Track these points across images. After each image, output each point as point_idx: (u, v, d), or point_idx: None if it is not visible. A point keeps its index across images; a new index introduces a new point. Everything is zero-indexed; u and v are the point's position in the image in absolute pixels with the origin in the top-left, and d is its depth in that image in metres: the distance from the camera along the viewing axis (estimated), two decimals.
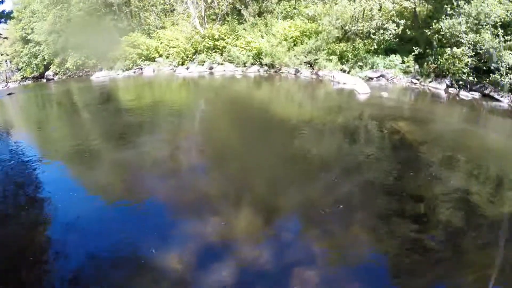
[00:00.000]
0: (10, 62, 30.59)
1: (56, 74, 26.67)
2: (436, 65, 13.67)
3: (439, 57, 13.55)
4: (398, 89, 13.89)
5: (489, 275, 4.11)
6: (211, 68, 20.99)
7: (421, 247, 4.56)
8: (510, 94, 11.66)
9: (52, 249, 5.00)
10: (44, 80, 26.76)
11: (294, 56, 18.38)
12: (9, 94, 21.02)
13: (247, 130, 9.79)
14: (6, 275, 4.44)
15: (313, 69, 17.79)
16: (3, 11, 17.93)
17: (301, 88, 15.77)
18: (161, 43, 23.53)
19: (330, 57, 17.25)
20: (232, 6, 23.17)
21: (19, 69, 29.93)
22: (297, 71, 18.00)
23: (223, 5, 22.89)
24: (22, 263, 4.64)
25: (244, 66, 20.15)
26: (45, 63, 27.41)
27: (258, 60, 19.87)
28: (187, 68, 21.65)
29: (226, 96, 15.14)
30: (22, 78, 29.06)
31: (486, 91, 12.26)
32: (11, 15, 20.98)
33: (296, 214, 5.63)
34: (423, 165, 6.94)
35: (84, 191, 6.68)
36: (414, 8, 16.14)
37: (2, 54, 26.50)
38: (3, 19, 19.60)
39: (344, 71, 16.35)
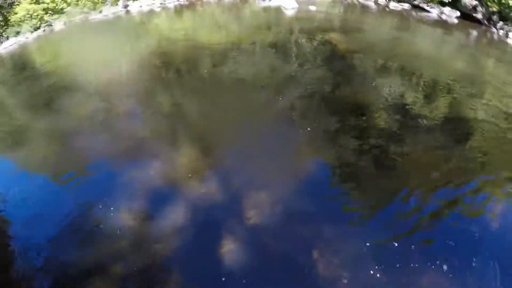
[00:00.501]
0: None
1: None
2: None
3: None
4: (327, 2, 13.35)
5: (431, 177, 4.40)
6: (126, 7, 19.03)
7: (361, 153, 4.70)
8: (439, 5, 11.49)
9: (9, 230, 4.74)
10: None
11: None
12: None
13: (175, 64, 9.25)
14: None
15: None
16: None
17: (226, 11, 14.81)
18: None
19: None
20: None
21: None
22: None
23: None
24: None
25: None
26: None
27: None
28: (100, 12, 19.49)
29: (149, 34, 14.17)
30: None
31: (416, 2, 12.08)
32: None
33: (236, 141, 5.51)
34: (357, 74, 6.98)
35: (23, 168, 6.28)
36: None
37: None
38: None
39: None
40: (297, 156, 4.90)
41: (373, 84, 6.46)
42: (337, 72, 7.07)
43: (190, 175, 4.71)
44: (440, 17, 11.17)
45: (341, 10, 12.29)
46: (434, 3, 11.58)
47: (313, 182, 4.38)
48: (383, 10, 11.93)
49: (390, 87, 6.33)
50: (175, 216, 4.06)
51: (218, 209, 4.09)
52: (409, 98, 6.00)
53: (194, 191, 4.45)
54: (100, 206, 4.49)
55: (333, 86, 6.53)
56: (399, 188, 4.20)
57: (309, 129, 5.35)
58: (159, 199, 4.41)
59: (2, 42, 21.15)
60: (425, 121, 5.34)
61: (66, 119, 7.42)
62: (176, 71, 8.68)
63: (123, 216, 4.28)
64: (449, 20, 11.22)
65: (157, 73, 8.79)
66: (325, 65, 7.46)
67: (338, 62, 7.57)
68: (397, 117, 5.43)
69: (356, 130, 5.16)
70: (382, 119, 5.36)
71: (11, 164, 6.57)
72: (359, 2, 12.71)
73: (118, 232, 4.08)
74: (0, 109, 9.86)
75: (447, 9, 11.55)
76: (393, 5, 11.91)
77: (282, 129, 5.50)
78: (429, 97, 6.18)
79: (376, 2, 12.38)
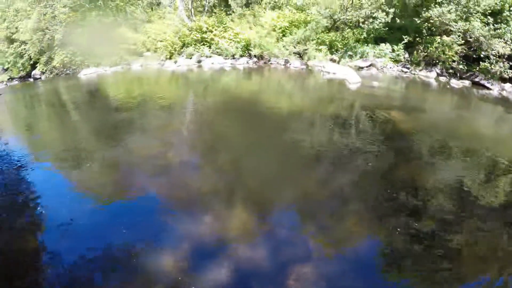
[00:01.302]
0: None
1: (43, 73, 26.16)
2: (426, 54, 13.66)
3: (429, 45, 13.57)
4: (389, 78, 13.86)
5: (481, 267, 4.12)
6: (199, 61, 20.71)
7: (414, 237, 4.54)
8: (500, 82, 11.70)
9: (46, 254, 4.92)
10: (31, 80, 26.23)
11: (283, 46, 18.15)
12: None
13: (238, 123, 9.65)
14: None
15: (302, 59, 17.61)
16: None
17: (291, 79, 15.63)
18: (148, 37, 23.17)
19: (320, 47, 17.10)
20: None
21: (5, 70, 29.37)
22: (286, 61, 17.83)
23: None
24: (16, 269, 4.60)
25: (233, 58, 19.90)
26: (31, 62, 26.83)
27: (247, 52, 19.66)
28: (175, 62, 21.35)
29: (216, 89, 14.96)
30: (8, 79, 28.50)
31: (476, 79, 12.32)
32: None
33: (289, 208, 5.54)
34: (416, 154, 6.93)
35: (75, 193, 6.55)
36: None
37: None
38: None
39: (334, 61, 16.25)
40: (344, 232, 4.85)
41: (431, 165, 6.39)
42: (395, 151, 7.07)
43: (238, 237, 4.76)
44: (501, 94, 11.26)
45: (403, 86, 12.68)
46: (495, 80, 11.79)
47: (359, 262, 4.27)
48: (444, 87, 12.11)
49: (448, 169, 6.25)
50: (213, 274, 4.07)
51: (259, 277, 4.06)
52: (468, 181, 5.84)
53: (239, 253, 4.40)
54: (143, 245, 4.65)
55: (389, 164, 6.49)
56: (454, 279, 3.99)
57: (360, 204, 5.35)
58: (202, 253, 4.48)
59: (83, 69, 23.77)
60: (483, 207, 5.12)
61: (126, 154, 7.94)
62: (237, 130, 9.02)
63: (162, 259, 4.37)
64: (510, 97, 11.29)
65: (220, 129, 9.16)
66: (383, 143, 7.51)
67: (397, 141, 7.61)
68: (453, 201, 5.29)
69: (409, 211, 5.03)
70: (437, 202, 5.24)
71: (65, 184, 6.97)
72: (420, 78, 13.18)
73: (152, 273, 4.16)
74: (67, 129, 10.80)
75: (508, 86, 11.70)
76: (454, 82, 12.16)
77: (331, 202, 5.47)
78: (489, 181, 5.98)
79: (437, 79, 12.74)
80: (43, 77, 26.15)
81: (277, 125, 9.19)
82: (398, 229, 4.65)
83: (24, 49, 26.74)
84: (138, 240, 4.80)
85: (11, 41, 28.04)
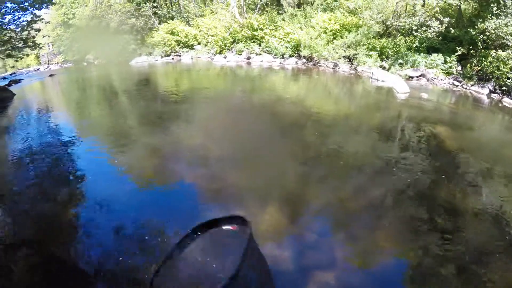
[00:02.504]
0: (52, 45, 31.82)
1: (97, 58, 27.56)
2: (479, 68, 13.25)
3: (483, 59, 13.12)
4: (439, 90, 13.62)
5: None
6: (248, 58, 21.18)
7: (445, 262, 4.46)
8: None
9: (81, 225, 5.39)
10: (85, 64, 27.71)
11: (333, 49, 18.27)
12: (51, 75, 22.21)
13: (281, 123, 9.84)
14: (39, 247, 4.87)
15: (352, 64, 17.66)
16: None
17: (339, 83, 15.69)
18: (200, 31, 23.92)
19: (370, 53, 17.08)
20: None
21: (61, 52, 31.08)
22: (335, 65, 17.94)
23: None
24: (54, 237, 5.08)
25: (282, 58, 20.23)
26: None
27: (296, 52, 19.94)
28: (225, 57, 21.94)
29: (263, 87, 15.24)
30: (63, 61, 30.18)
31: None
32: (53, 1, 21.79)
33: (322, 215, 5.63)
34: (459, 175, 6.80)
35: (117, 172, 7.08)
36: (459, 5, 15.70)
37: (44, 36, 27.65)
38: (45, 4, 20.41)
39: (384, 68, 16.18)
40: (373, 245, 4.83)
41: (473, 188, 6.20)
42: (437, 168, 6.91)
43: (266, 235, 4.87)
44: None
45: (453, 101, 12.40)
46: None
47: (383, 278, 4.27)
48: (496, 105, 11.73)
49: (491, 194, 6.00)
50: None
51: (280, 277, 4.10)
52: (510, 210, 5.57)
53: (264, 251, 4.17)
54: (174, 229, 4.87)
55: (429, 182, 6.35)
56: None
57: (393, 219, 5.36)
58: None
59: (135, 57, 24.85)
60: None
61: (169, 142, 8.43)
62: (280, 130, 9.19)
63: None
64: None
65: (263, 128, 9.43)
66: (426, 159, 7.37)
67: (440, 158, 7.46)
68: (492, 229, 5.09)
69: (443, 234, 4.90)
70: (474, 228, 5.10)
71: (108, 163, 7.51)
72: (471, 93, 12.83)
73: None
74: (114, 112, 11.58)
75: None
76: (506, 101, 11.67)
77: (364, 213, 5.48)
78: None
79: (489, 96, 12.31)
80: (96, 61, 27.57)
81: (319, 129, 9.36)
82: (430, 251, 4.62)
83: (80, 34, 28.32)
84: (170, 224, 5.12)
85: (67, 26, 29.69)
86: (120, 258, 4.55)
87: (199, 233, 3.38)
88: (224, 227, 3.36)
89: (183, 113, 10.95)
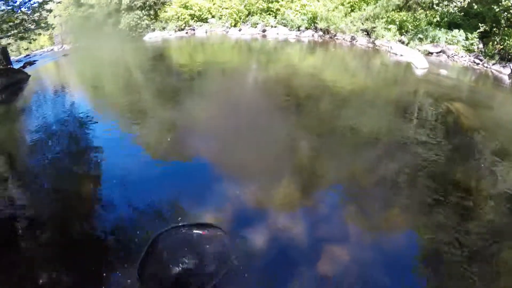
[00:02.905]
0: (65, 24, 31.67)
1: (110, 35, 27.37)
2: (502, 47, 12.87)
3: (506, 37, 12.75)
4: (458, 67, 13.32)
5: None
6: (264, 31, 20.89)
7: (457, 241, 4.44)
8: None
9: (98, 200, 5.57)
10: (99, 42, 27.55)
11: (351, 22, 17.93)
12: (65, 55, 22.24)
13: (296, 98, 9.79)
14: (60, 221, 5.08)
15: (369, 37, 17.29)
16: None
17: (356, 57, 15.42)
18: (214, 4, 23.53)
19: (389, 26, 16.71)
20: None
21: (74, 32, 30.90)
22: (353, 38, 17.60)
23: None
24: (70, 210, 5.29)
25: (298, 30, 19.89)
26: (99, 25, 28.15)
27: (312, 25, 19.55)
28: (240, 30, 21.67)
29: (279, 61, 15.04)
30: (76, 40, 30.04)
31: None
32: None
33: (335, 189, 5.66)
34: (475, 154, 6.69)
35: (132, 148, 7.21)
36: None
37: (55, 17, 27.53)
38: None
39: (403, 43, 15.83)
40: (385, 221, 4.86)
41: (489, 168, 6.11)
42: (453, 147, 6.87)
43: (279, 208, 4.98)
44: None
45: (472, 79, 12.14)
46: None
47: (393, 255, 4.29)
48: None
49: (506, 175, 5.94)
50: (249, 239, 4.29)
51: (292, 249, 4.23)
52: None
53: (277, 223, 4.62)
54: (188, 203, 5.04)
55: (444, 160, 6.29)
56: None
57: (406, 197, 5.35)
58: (241, 217, 4.76)
59: (148, 32, 24.73)
60: None
61: (184, 117, 8.53)
62: (296, 105, 9.17)
63: (202, 218, 4.65)
64: None
65: (277, 102, 9.38)
66: (442, 137, 7.29)
67: (457, 137, 7.39)
68: (507, 210, 5.02)
69: (457, 213, 4.88)
70: (489, 209, 5.07)
71: (124, 139, 7.65)
72: (492, 73, 12.53)
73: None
74: (129, 89, 11.62)
75: None
76: None
77: (377, 190, 5.49)
78: None
79: (510, 76, 11.97)
80: (109, 39, 27.35)
81: (335, 103, 9.30)
82: (442, 230, 4.61)
83: (92, 12, 28.12)
84: (184, 198, 5.25)
85: (79, 4, 29.43)
86: (136, 232, 4.64)
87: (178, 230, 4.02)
88: (195, 231, 3.92)
89: (197, 88, 10.95)
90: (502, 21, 13.04)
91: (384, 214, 5.00)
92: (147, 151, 7.02)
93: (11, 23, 16.53)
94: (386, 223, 4.83)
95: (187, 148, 7.00)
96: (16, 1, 16.54)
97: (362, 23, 17.62)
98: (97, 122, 8.75)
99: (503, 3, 12.75)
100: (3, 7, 16.22)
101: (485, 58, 13.37)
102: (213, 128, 7.85)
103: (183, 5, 23.64)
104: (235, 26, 22.33)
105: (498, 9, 13.06)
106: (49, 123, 9.02)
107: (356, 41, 17.39)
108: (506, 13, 12.82)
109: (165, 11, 25.03)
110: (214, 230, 3.89)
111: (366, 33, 17.54)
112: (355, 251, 4.29)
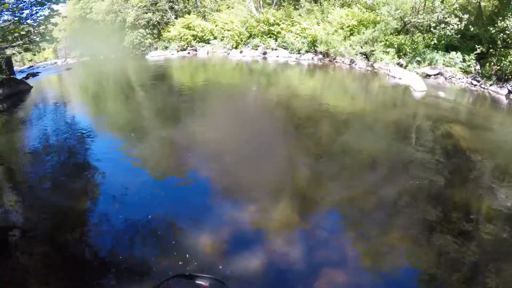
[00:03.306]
0: (70, 39, 32.25)
1: (113, 52, 27.86)
2: (498, 67, 13.01)
3: (503, 58, 12.89)
4: (456, 89, 13.44)
5: None
6: (264, 53, 21.19)
7: (458, 265, 4.42)
8: None
9: (95, 213, 5.59)
10: (102, 57, 28.01)
11: (350, 46, 18.19)
12: (68, 69, 22.60)
13: (295, 119, 9.90)
14: (55, 235, 5.05)
15: (368, 60, 17.54)
16: None
17: (355, 80, 15.58)
18: (216, 26, 24.00)
19: (387, 50, 16.96)
20: None
21: (78, 46, 31.44)
22: (352, 61, 17.85)
23: None
24: (66, 223, 5.29)
25: (298, 53, 20.19)
26: (103, 42, 28.64)
27: (312, 48, 19.85)
28: (241, 52, 21.99)
29: (279, 83, 15.21)
30: (80, 55, 30.58)
31: None
32: None
33: (334, 212, 5.64)
34: (474, 176, 6.71)
35: (131, 164, 7.24)
36: (479, 3, 15.50)
37: (60, 31, 28.17)
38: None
39: (401, 66, 16.05)
40: (386, 245, 4.81)
41: (489, 190, 6.09)
42: (452, 168, 6.86)
43: (277, 230, 4.95)
44: None
45: (470, 100, 12.23)
46: None
47: (394, 280, 4.25)
48: None
49: (507, 197, 5.90)
50: (245, 262, 4.28)
51: (289, 274, 4.19)
52: None
53: (274, 247, 4.60)
54: (185, 221, 5.09)
55: (444, 182, 6.29)
56: None
57: (407, 220, 5.30)
58: (238, 239, 4.73)
59: (151, 51, 25.12)
60: None
61: (184, 136, 8.60)
62: (294, 127, 9.25)
63: (199, 238, 4.70)
64: None
65: (276, 124, 9.48)
66: (441, 158, 7.32)
67: (456, 158, 7.39)
68: (507, 231, 5.02)
69: (458, 236, 4.84)
70: (489, 231, 5.03)
71: (122, 155, 7.65)
72: (490, 93, 12.61)
73: (187, 249, 4.50)
74: (130, 106, 11.82)
75: None
76: None
77: (377, 213, 5.46)
78: None
79: (508, 97, 12.07)
80: (113, 56, 27.86)
81: (334, 125, 9.37)
82: (443, 254, 4.59)
83: (96, 28, 28.68)
84: (181, 216, 5.28)
85: (84, 20, 30.08)
86: (131, 250, 4.68)
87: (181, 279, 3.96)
88: (197, 282, 3.82)
89: (198, 108, 11.09)
90: (499, 42, 13.22)
91: (383, 238, 4.96)
92: (145, 168, 7.08)
93: (16, 34, 16.83)
94: (385, 247, 4.79)
95: (186, 168, 7.03)
96: (23, 13, 16.85)
97: (361, 47, 17.89)
98: (96, 138, 8.86)
99: (498, 24, 12.97)
100: (10, 17, 16.54)
101: (482, 79, 13.50)
102: (211, 149, 7.88)
103: (186, 26, 24.13)
104: (236, 48, 22.70)
105: (494, 31, 13.27)
106: (47, 135, 9.13)
107: (355, 64, 17.63)
108: (502, 34, 13.02)
109: (168, 31, 25.54)
110: (216, 283, 3.85)
111: (365, 57, 17.79)
112: (353, 276, 4.24)
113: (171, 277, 3.95)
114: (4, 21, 16.46)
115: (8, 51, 18.54)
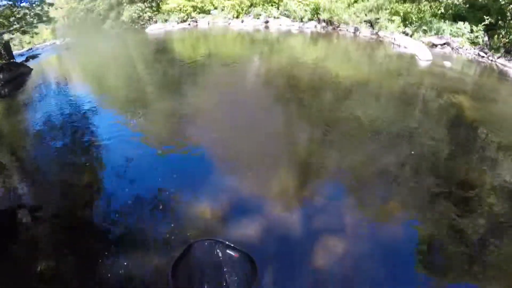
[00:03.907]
0: (67, 18, 31.62)
1: (112, 28, 27.26)
2: (507, 40, 12.65)
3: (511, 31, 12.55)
4: (463, 60, 13.14)
5: None
6: (266, 22, 20.75)
7: (456, 235, 4.39)
8: None
9: (99, 189, 5.67)
10: (100, 34, 27.45)
11: (354, 13, 17.73)
12: (67, 48, 22.24)
13: (298, 89, 9.74)
14: (62, 210, 5.13)
15: (373, 29, 17.06)
16: None
17: (359, 48, 15.27)
18: None
19: (393, 18, 16.48)
20: None
21: (76, 24, 30.88)
22: (356, 29, 17.40)
23: None
24: (71, 200, 5.37)
25: (301, 21, 19.68)
26: (101, 18, 28.00)
27: (315, 16, 19.31)
28: (242, 21, 21.54)
29: (281, 52, 14.97)
30: (79, 33, 30.01)
31: None
32: None
33: (333, 180, 5.63)
34: (478, 148, 6.65)
35: (134, 138, 7.27)
36: None
37: (57, 9, 27.47)
38: None
39: (407, 34, 15.63)
40: (383, 214, 4.80)
41: (491, 162, 6.06)
42: (455, 139, 6.84)
43: (276, 198, 4.97)
44: None
45: (477, 72, 12.00)
46: None
47: (390, 248, 4.22)
48: None
49: (508, 168, 5.87)
50: (244, 229, 4.30)
51: (287, 240, 4.21)
52: None
53: (273, 214, 4.62)
54: (187, 191, 5.12)
55: (446, 152, 6.25)
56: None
57: (406, 189, 5.28)
58: (238, 207, 4.76)
59: (150, 24, 24.64)
60: None
61: (185, 107, 8.66)
62: (296, 95, 9.13)
63: (200, 207, 4.75)
64: None
65: (278, 93, 9.40)
66: (445, 129, 7.27)
67: (460, 130, 7.32)
68: (508, 203, 4.96)
69: (457, 207, 4.80)
70: (490, 203, 4.98)
71: (125, 129, 7.75)
72: (497, 66, 12.35)
73: (189, 218, 4.57)
74: (132, 80, 11.76)
75: None
76: None
77: (376, 181, 5.45)
78: None
79: None
80: (112, 31, 27.27)
81: (337, 94, 9.26)
82: (441, 224, 4.56)
83: (94, 5, 28.09)
84: (183, 186, 5.29)
85: None
86: (136, 225, 4.70)
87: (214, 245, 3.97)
88: (228, 251, 3.85)
89: (199, 79, 10.98)
90: (508, 14, 12.80)
91: (384, 206, 4.95)
92: (147, 140, 7.10)
93: (12, 18, 16.47)
94: (385, 215, 4.78)
95: (187, 139, 7.04)
96: None
97: (366, 14, 17.40)
98: (98, 114, 8.82)
99: None
100: (4, 2, 16.16)
101: (490, 51, 13.14)
102: (213, 120, 7.84)
103: None
104: (237, 17, 22.16)
105: (503, 2, 12.83)
106: (50, 116, 9.06)
107: (359, 33, 17.20)
108: (511, 6, 12.58)
109: (167, 3, 24.87)
110: (246, 257, 3.84)
111: (369, 25, 17.31)
112: (350, 243, 4.25)
113: (206, 239, 3.99)
114: None
115: (6, 36, 18.17)
